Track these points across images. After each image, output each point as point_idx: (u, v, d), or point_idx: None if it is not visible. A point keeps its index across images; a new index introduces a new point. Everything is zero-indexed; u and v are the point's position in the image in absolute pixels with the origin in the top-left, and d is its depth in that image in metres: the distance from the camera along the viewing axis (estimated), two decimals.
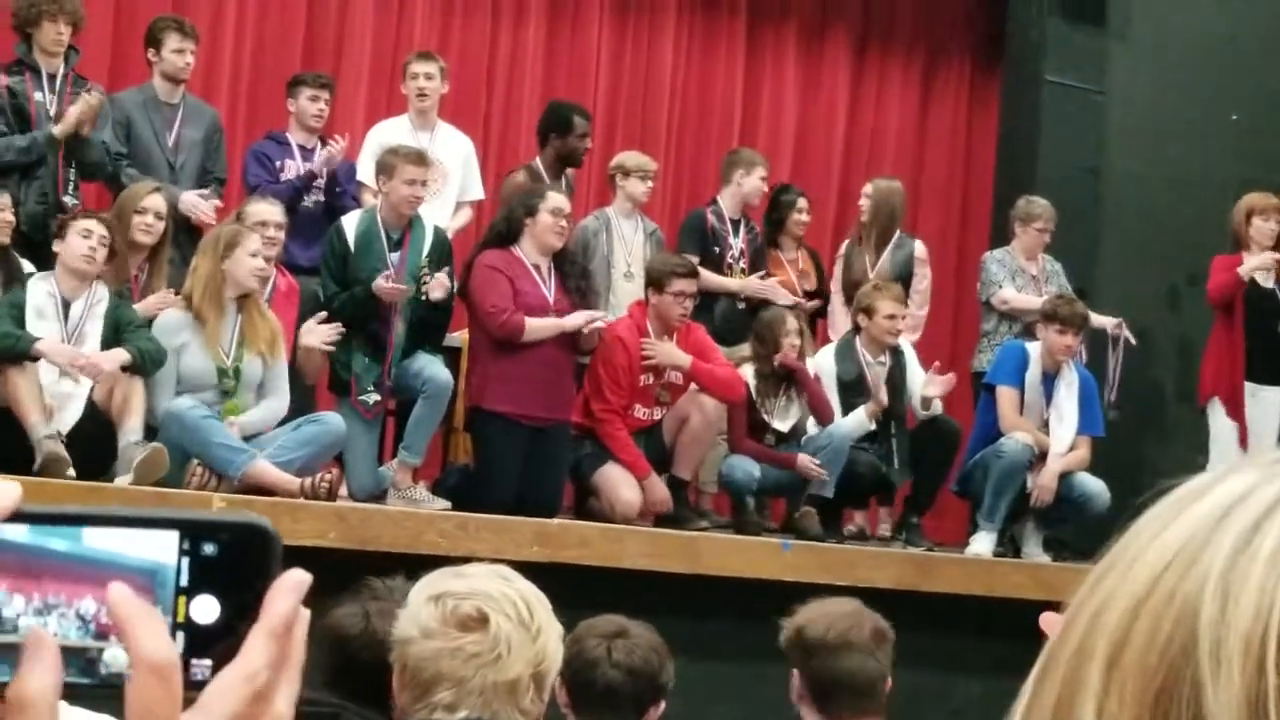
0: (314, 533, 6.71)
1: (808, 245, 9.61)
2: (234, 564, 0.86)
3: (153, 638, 0.83)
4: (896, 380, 8.48)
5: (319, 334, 7.46)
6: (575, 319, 7.73)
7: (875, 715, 3.76)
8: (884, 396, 8.34)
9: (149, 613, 0.83)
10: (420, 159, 7.78)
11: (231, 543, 0.87)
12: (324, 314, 7.51)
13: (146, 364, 6.87)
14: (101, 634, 0.84)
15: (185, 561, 0.86)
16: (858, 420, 8.35)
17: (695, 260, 8.57)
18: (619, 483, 7.86)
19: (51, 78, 7.77)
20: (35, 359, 6.74)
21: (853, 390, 8.44)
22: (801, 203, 9.46)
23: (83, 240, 6.89)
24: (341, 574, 5.73)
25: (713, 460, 8.53)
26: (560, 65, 10.61)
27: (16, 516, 0.83)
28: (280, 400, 7.26)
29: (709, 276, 8.73)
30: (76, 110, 7.59)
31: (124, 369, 6.81)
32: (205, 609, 0.86)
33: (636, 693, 3.54)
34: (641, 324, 7.99)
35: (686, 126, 10.95)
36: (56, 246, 6.94)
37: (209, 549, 0.86)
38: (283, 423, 7.24)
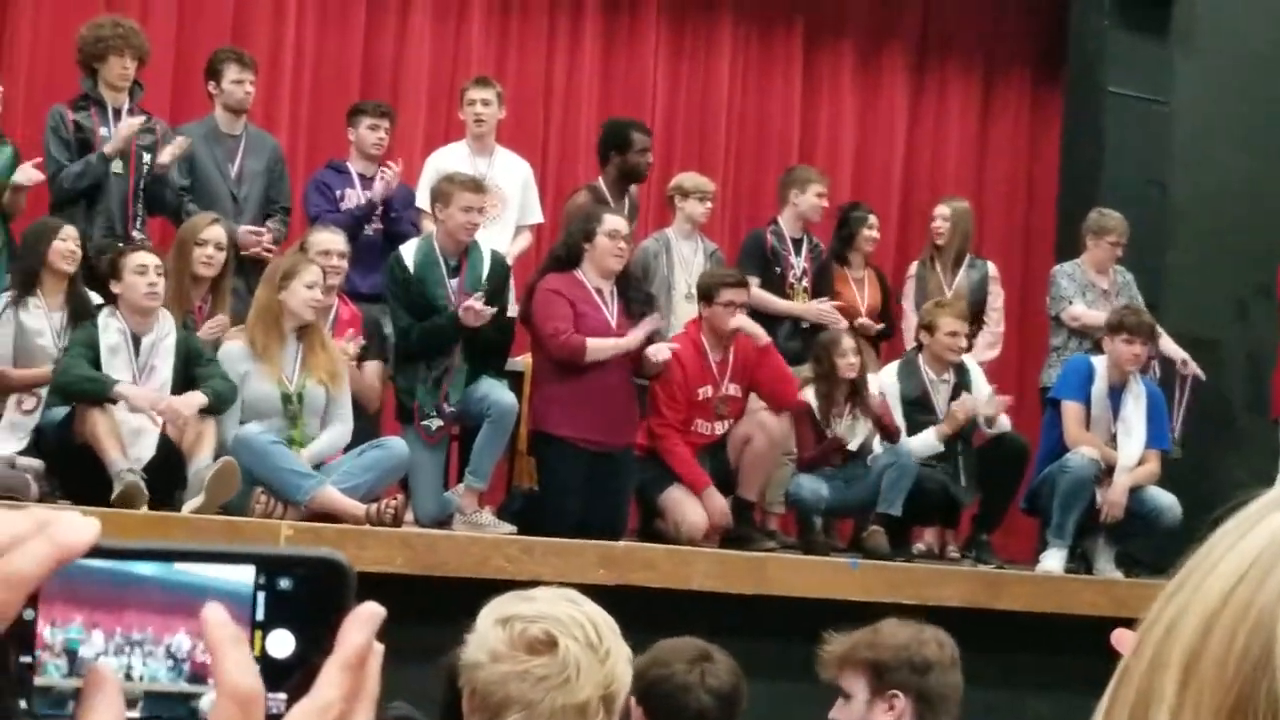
0: (380, 559, 6.72)
1: (874, 264, 9.59)
2: (309, 598, 0.85)
3: (240, 667, 0.82)
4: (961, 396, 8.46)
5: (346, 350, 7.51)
6: (635, 336, 7.71)
7: None
8: (961, 416, 8.30)
9: (240, 640, 0.82)
10: (476, 186, 7.79)
11: (307, 577, 0.86)
12: (350, 331, 7.55)
13: (221, 404, 6.93)
14: (198, 676, 0.82)
15: (261, 596, 0.85)
16: (927, 441, 8.32)
17: (756, 282, 8.58)
18: (685, 504, 7.85)
19: (117, 112, 7.85)
20: (115, 401, 6.78)
21: (917, 407, 8.42)
22: (872, 220, 9.46)
23: (140, 278, 6.91)
24: (408, 600, 5.75)
25: (778, 481, 8.51)
26: (616, 87, 10.62)
27: (94, 552, 0.82)
28: (344, 426, 7.29)
29: (769, 300, 8.74)
30: (127, 129, 7.65)
31: (200, 412, 6.86)
32: (281, 643, 0.85)
33: (723, 717, 3.54)
34: (697, 339, 7.99)
35: (744, 146, 10.94)
36: (115, 287, 6.96)
37: (284, 583, 0.85)
38: (347, 449, 7.27)
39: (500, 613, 2.65)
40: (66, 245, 7.18)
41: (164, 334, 7.00)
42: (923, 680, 3.72)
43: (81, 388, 6.79)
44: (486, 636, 2.63)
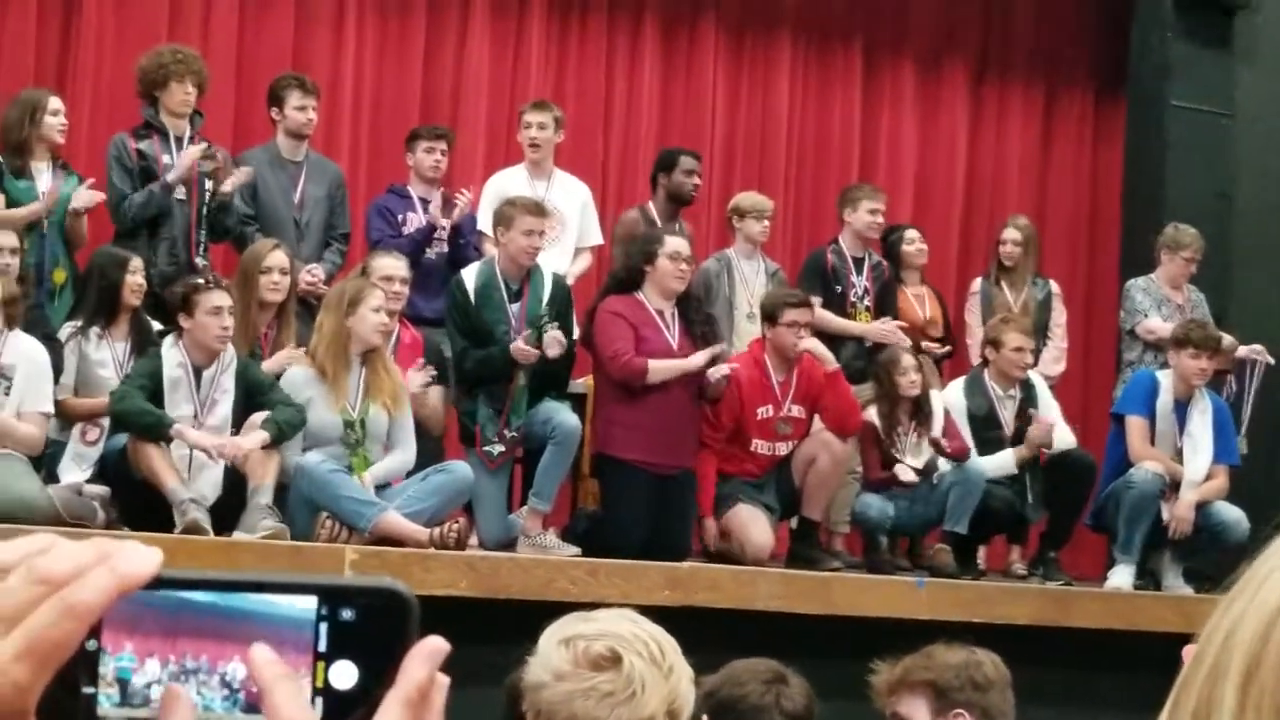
0: (445, 582, 6.73)
1: (930, 283, 9.57)
2: (371, 629, 0.85)
3: (291, 704, 0.82)
4: (1028, 414, 8.41)
5: (416, 380, 7.50)
6: (698, 358, 7.72)
7: None
8: (1036, 438, 8.26)
9: (290, 677, 0.82)
10: (538, 209, 7.79)
11: (368, 607, 0.85)
12: (420, 360, 7.55)
13: (286, 435, 6.90)
14: (252, 706, 0.82)
15: (324, 627, 0.85)
16: (1003, 463, 8.28)
17: (818, 302, 8.59)
18: (749, 524, 7.83)
19: (179, 140, 7.90)
20: (170, 440, 6.77)
21: (984, 424, 8.38)
22: (909, 235, 9.46)
23: (214, 319, 6.84)
24: (473, 623, 5.75)
25: (843, 500, 8.47)
26: (676, 107, 10.63)
27: (157, 582, 0.82)
28: (407, 452, 7.30)
29: (831, 320, 8.72)
30: (188, 158, 7.71)
31: (264, 447, 6.82)
32: (343, 674, 0.84)
33: None
34: (760, 358, 7.97)
35: (805, 165, 10.92)
36: (184, 322, 6.90)
37: (346, 614, 0.85)
38: (411, 474, 7.28)
39: (562, 633, 2.64)
40: (135, 279, 7.22)
41: (225, 366, 6.97)
42: (985, 698, 3.70)
43: (142, 421, 6.75)
44: (550, 657, 2.62)
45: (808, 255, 9.45)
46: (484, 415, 7.62)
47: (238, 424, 6.93)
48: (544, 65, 10.32)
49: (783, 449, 8.04)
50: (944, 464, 8.25)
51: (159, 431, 6.74)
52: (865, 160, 11.00)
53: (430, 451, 7.63)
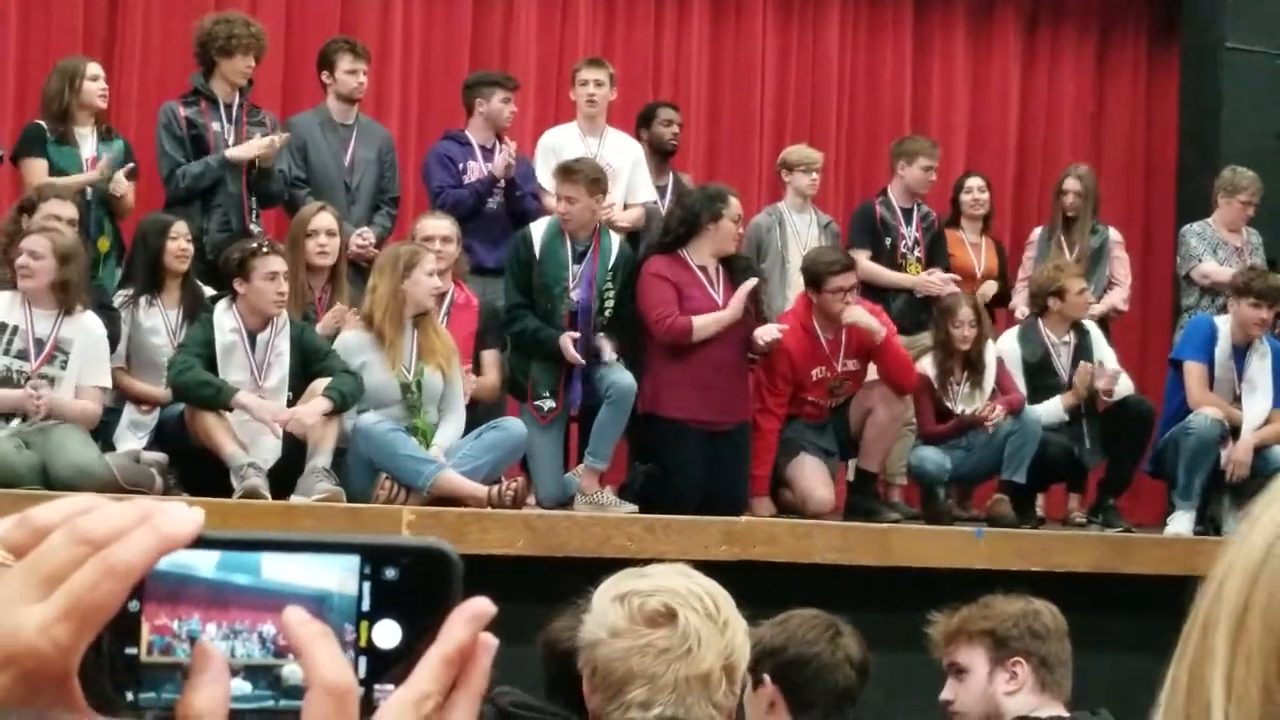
0: (503, 541, 6.74)
1: (994, 235, 9.49)
2: (415, 588, 0.85)
3: (329, 660, 0.82)
4: (1084, 359, 8.36)
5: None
6: (735, 304, 7.61)
7: None
8: (1083, 389, 8.22)
9: (324, 634, 0.83)
10: (563, 173, 7.69)
11: (412, 567, 0.86)
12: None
13: (348, 403, 6.88)
14: (280, 653, 0.84)
15: (367, 586, 0.85)
16: (1053, 410, 8.24)
17: (866, 254, 8.56)
18: (813, 477, 7.83)
19: (228, 107, 7.90)
20: (232, 409, 6.77)
21: (1039, 371, 8.34)
22: (969, 184, 9.37)
23: (270, 284, 6.85)
24: (531, 581, 5.77)
25: (899, 451, 8.45)
26: (725, 62, 10.58)
27: (199, 542, 0.83)
28: (460, 415, 7.30)
29: (880, 272, 8.70)
30: (259, 145, 7.72)
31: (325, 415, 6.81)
32: (387, 633, 0.85)
33: (860, 690, 3.55)
34: (806, 321, 7.91)
35: (856, 117, 10.86)
36: (240, 287, 6.91)
37: (390, 573, 0.85)
38: (465, 431, 7.28)
39: (617, 590, 2.64)
40: (178, 244, 7.21)
41: (279, 329, 6.97)
42: (1043, 646, 3.70)
43: (201, 393, 6.75)
44: (605, 613, 2.62)
45: (856, 207, 9.41)
46: (538, 370, 7.61)
47: (294, 389, 6.95)
48: (593, 22, 10.29)
49: (842, 400, 8.04)
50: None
51: (219, 402, 6.75)
52: (917, 110, 10.93)
53: (488, 410, 7.64)
